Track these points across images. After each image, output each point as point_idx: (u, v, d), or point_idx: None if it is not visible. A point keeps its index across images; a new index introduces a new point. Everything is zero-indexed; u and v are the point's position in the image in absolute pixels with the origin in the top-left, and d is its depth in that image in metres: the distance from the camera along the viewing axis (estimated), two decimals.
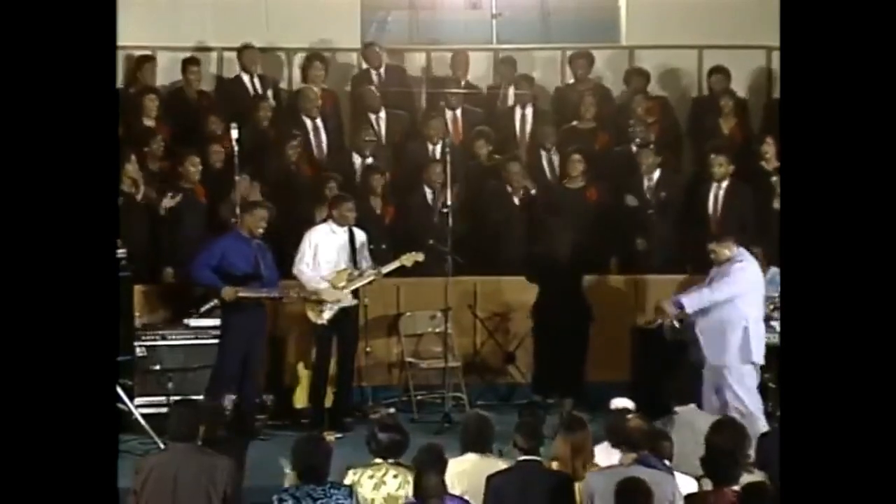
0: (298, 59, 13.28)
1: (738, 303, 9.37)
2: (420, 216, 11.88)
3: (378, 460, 7.18)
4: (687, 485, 7.13)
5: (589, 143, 12.62)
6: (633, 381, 10.69)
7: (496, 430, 7.49)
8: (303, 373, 10.93)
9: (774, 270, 9.98)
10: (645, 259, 11.85)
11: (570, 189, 12.01)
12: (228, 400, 9.80)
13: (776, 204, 10.82)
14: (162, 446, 9.01)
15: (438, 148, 12.15)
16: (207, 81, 13.19)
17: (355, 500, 6.85)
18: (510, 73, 13.32)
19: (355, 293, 10.70)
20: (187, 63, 12.86)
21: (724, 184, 11.57)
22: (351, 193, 11.16)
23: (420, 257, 10.83)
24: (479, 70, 13.55)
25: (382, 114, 12.88)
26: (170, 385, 10.52)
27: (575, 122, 12.86)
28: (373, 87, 12.92)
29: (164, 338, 10.79)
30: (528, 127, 12.97)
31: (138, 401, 10.37)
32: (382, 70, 13.19)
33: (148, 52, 12.89)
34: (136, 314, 10.86)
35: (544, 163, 12.56)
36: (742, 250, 9.52)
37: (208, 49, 13.32)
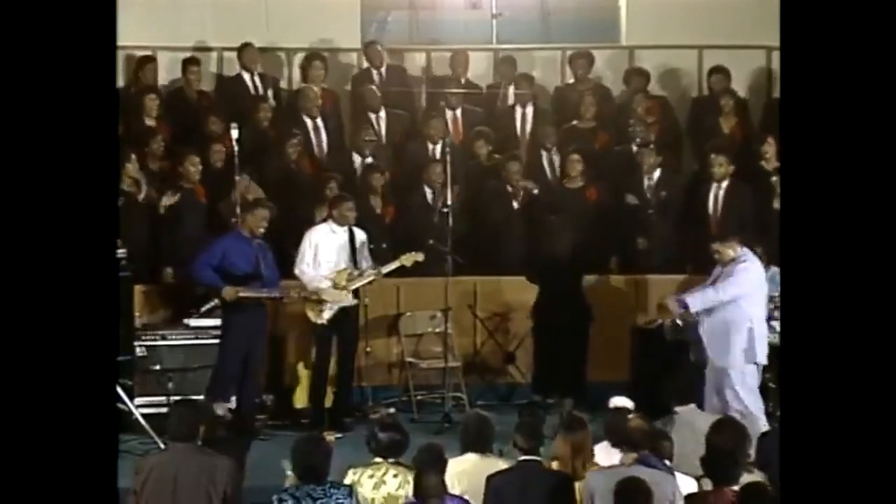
0: (298, 58, 13.27)
1: (743, 303, 9.35)
2: (420, 216, 11.87)
3: (378, 460, 7.18)
4: (687, 485, 7.13)
5: (589, 142, 12.62)
6: (633, 381, 10.69)
7: (496, 430, 7.49)
8: (303, 373, 10.93)
9: (774, 270, 9.97)
10: (645, 259, 11.85)
11: (569, 189, 12.01)
12: (223, 408, 9.77)
13: (776, 204, 10.81)
14: (162, 446, 9.01)
15: (438, 148, 12.15)
16: (208, 81, 13.20)
17: (355, 499, 6.85)
18: (510, 72, 13.32)
19: (355, 293, 10.70)
20: (187, 63, 12.87)
21: (724, 184, 11.57)
22: (351, 193, 11.16)
23: (420, 257, 10.83)
24: (480, 70, 13.55)
25: (382, 113, 12.88)
26: (170, 385, 10.51)
27: (575, 122, 12.86)
28: (373, 87, 12.92)
29: (164, 338, 10.79)
30: (529, 126, 12.98)
31: (138, 401, 10.37)
32: (384, 69, 13.20)
33: (148, 52, 12.90)
34: (136, 314, 10.86)
35: (545, 162, 12.56)
36: (746, 250, 9.50)
37: (208, 49, 13.33)
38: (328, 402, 10.71)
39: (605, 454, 7.38)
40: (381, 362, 11.48)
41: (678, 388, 8.41)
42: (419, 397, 11.16)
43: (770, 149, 11.68)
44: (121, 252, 10.04)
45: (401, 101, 13.19)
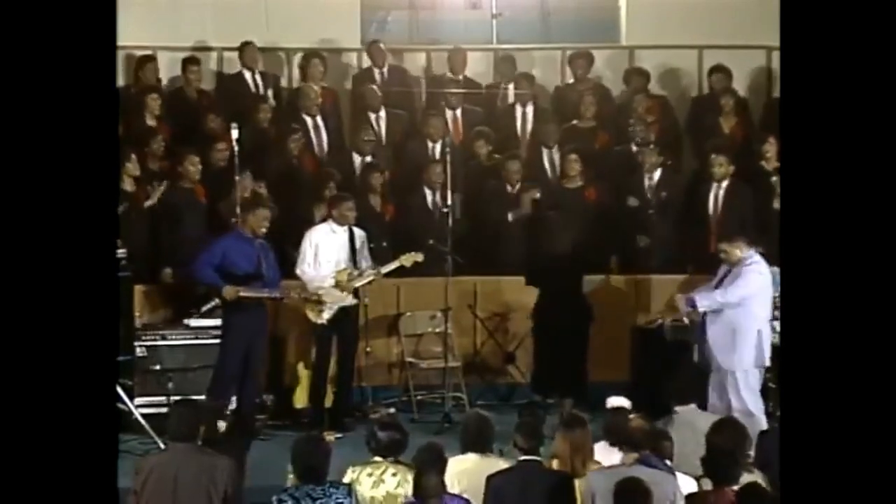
0: (298, 58, 13.27)
1: (751, 305, 9.31)
2: (420, 216, 11.87)
3: (377, 459, 7.18)
4: (687, 484, 7.13)
5: (589, 142, 12.62)
6: (633, 381, 10.69)
7: (496, 430, 7.49)
8: (303, 373, 10.93)
9: (774, 270, 9.96)
10: (645, 259, 11.85)
11: (568, 189, 12.01)
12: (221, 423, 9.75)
13: (776, 204, 10.81)
14: (162, 446, 9.02)
15: (438, 147, 12.15)
16: (208, 80, 13.21)
17: (354, 498, 6.85)
18: (510, 71, 13.32)
19: (355, 293, 10.70)
20: (187, 62, 12.88)
21: (724, 184, 11.56)
22: (350, 192, 11.16)
23: (420, 257, 10.83)
24: (479, 70, 13.55)
25: (382, 113, 12.88)
26: (170, 385, 10.51)
27: (575, 122, 12.86)
28: (374, 87, 12.92)
29: (164, 338, 10.79)
30: (529, 126, 12.98)
31: (138, 401, 10.37)
32: (385, 69, 13.20)
33: (148, 52, 12.90)
34: (136, 314, 10.86)
35: (545, 162, 12.55)
36: (753, 252, 9.44)
37: (208, 49, 13.34)
38: (328, 402, 10.71)
39: (604, 454, 7.38)
40: (381, 362, 11.48)
41: (678, 388, 8.40)
42: (419, 397, 11.16)
43: (771, 148, 11.66)
44: (121, 252, 10.04)
45: (401, 101, 13.20)
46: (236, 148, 10.78)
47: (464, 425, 7.59)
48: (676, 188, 12.06)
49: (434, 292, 10.99)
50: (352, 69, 13.61)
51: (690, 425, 7.86)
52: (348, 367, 10.75)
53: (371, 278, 10.72)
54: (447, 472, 6.96)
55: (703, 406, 8.71)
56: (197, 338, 10.78)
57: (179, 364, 10.69)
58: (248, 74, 12.96)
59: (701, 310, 9.39)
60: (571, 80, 13.42)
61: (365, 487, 7.02)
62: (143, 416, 10.02)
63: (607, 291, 11.52)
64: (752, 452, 7.47)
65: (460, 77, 13.17)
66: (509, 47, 13.67)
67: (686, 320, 9.79)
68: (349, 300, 10.62)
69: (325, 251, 10.63)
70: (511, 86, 13.24)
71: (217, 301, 10.45)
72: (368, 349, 11.32)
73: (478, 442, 7.38)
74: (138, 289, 10.98)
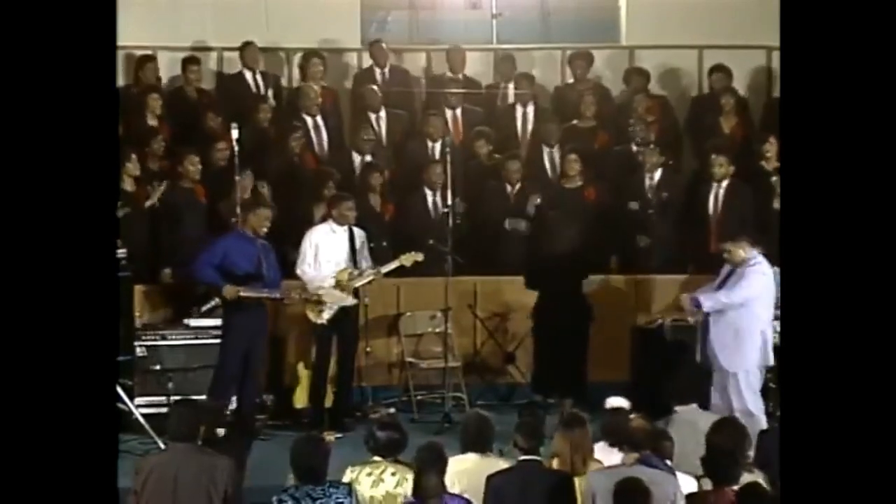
0: (298, 58, 13.27)
1: (754, 307, 9.29)
2: (420, 216, 11.87)
3: (377, 458, 7.18)
4: (687, 484, 7.13)
5: (588, 142, 12.62)
6: (633, 381, 10.69)
7: (496, 430, 7.48)
8: (303, 373, 10.93)
9: (775, 270, 9.96)
10: (645, 259, 11.84)
11: (567, 189, 12.01)
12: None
13: (776, 204, 10.80)
14: (162, 446, 9.02)
15: (438, 147, 12.15)
16: (208, 80, 13.21)
17: (354, 498, 6.85)
18: (509, 69, 13.32)
19: (355, 293, 10.70)
20: (187, 62, 12.88)
21: (725, 184, 11.55)
22: (350, 192, 11.15)
23: (420, 257, 10.83)
24: (479, 70, 13.54)
25: (383, 113, 12.87)
26: (170, 385, 10.51)
27: (575, 122, 12.86)
28: (374, 87, 12.92)
29: (164, 338, 10.79)
30: (530, 125, 12.97)
31: (138, 401, 10.37)
32: (387, 69, 13.20)
33: (148, 52, 12.90)
34: (136, 314, 10.87)
35: (546, 162, 12.55)
36: (756, 252, 9.41)
37: (208, 49, 13.34)
38: (328, 402, 10.71)
39: (603, 454, 7.37)
40: (381, 362, 11.48)
41: (678, 387, 8.40)
42: (419, 397, 11.16)
43: (772, 148, 11.64)
44: (121, 252, 10.05)
45: (401, 101, 13.19)
46: (236, 148, 10.78)
47: (464, 425, 7.59)
48: (676, 188, 12.05)
49: (434, 292, 10.99)
50: (352, 69, 13.60)
51: (691, 425, 7.86)
52: (348, 367, 10.75)
53: (371, 278, 10.71)
54: (447, 472, 6.96)
55: (705, 406, 8.71)
56: (197, 338, 10.78)
57: (179, 364, 10.69)
58: (248, 75, 12.95)
59: (705, 310, 9.39)
60: (571, 80, 13.41)
61: (364, 487, 7.02)
62: (143, 416, 10.02)
63: (607, 291, 11.51)
64: (751, 453, 7.47)
65: (460, 76, 13.17)
66: (509, 47, 13.67)
67: (692, 320, 9.77)
68: (349, 300, 10.62)
69: (325, 251, 10.62)
70: (511, 86, 13.24)
71: (217, 301, 10.45)
72: (368, 349, 11.32)
73: (478, 442, 7.37)
74: (138, 289, 10.99)
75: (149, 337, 10.76)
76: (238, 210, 10.51)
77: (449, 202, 11.05)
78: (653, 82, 13.33)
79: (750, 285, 9.30)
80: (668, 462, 7.28)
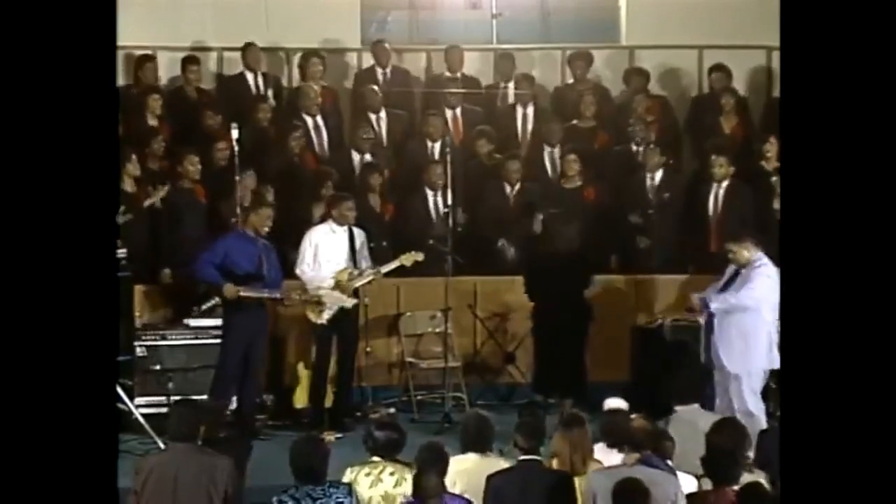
0: (298, 58, 13.26)
1: (760, 309, 9.25)
2: (420, 216, 11.87)
3: (376, 458, 7.18)
4: (687, 484, 7.13)
5: (588, 142, 12.62)
6: (633, 381, 10.69)
7: (496, 430, 7.49)
8: (303, 373, 10.93)
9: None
10: (645, 259, 11.84)
11: (567, 189, 12.00)
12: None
13: (776, 204, 10.80)
14: (162, 446, 9.01)
15: (438, 147, 12.15)
16: (208, 80, 13.21)
17: (354, 498, 6.85)
18: (509, 69, 13.32)
19: (355, 293, 10.70)
20: (187, 62, 12.87)
21: (725, 184, 11.55)
22: (350, 192, 11.15)
23: (420, 257, 10.83)
24: (479, 70, 13.54)
25: (383, 114, 12.86)
26: (170, 385, 10.51)
27: (575, 122, 12.86)
28: (374, 87, 12.91)
29: (164, 338, 10.79)
30: (530, 125, 12.97)
31: (138, 401, 10.38)
32: (388, 69, 13.20)
33: (148, 52, 12.90)
34: (136, 314, 10.87)
35: (546, 162, 12.55)
36: (761, 253, 9.37)
37: (208, 49, 13.33)
38: (328, 402, 10.71)
39: (602, 456, 7.37)
40: (381, 362, 11.48)
41: (678, 387, 8.39)
42: (419, 397, 11.16)
43: (771, 148, 11.64)
44: (121, 252, 10.04)
45: (401, 101, 13.19)
46: (236, 148, 10.78)
47: (464, 425, 7.59)
48: (676, 188, 12.04)
49: (434, 292, 10.99)
50: (352, 69, 13.60)
51: (691, 425, 7.86)
52: (348, 367, 10.75)
53: (371, 278, 10.71)
54: (448, 472, 6.96)
55: (706, 406, 8.70)
56: (197, 338, 10.78)
57: (179, 364, 10.69)
58: (249, 75, 12.95)
59: (713, 310, 9.37)
60: (571, 80, 13.41)
61: (363, 487, 7.02)
62: (143, 416, 10.02)
63: (607, 291, 11.51)
64: (752, 453, 7.47)
65: (458, 75, 13.17)
66: (509, 47, 13.66)
67: (701, 320, 9.75)
68: (348, 302, 10.61)
69: (325, 251, 10.62)
70: (511, 86, 13.24)
71: (217, 299, 10.45)
72: (368, 349, 11.31)
73: (478, 442, 7.38)
74: (138, 289, 10.99)
75: (149, 337, 10.76)
76: (238, 210, 10.50)
77: (449, 202, 11.05)
78: (653, 82, 13.34)
79: (758, 287, 9.26)
80: (669, 462, 7.29)
